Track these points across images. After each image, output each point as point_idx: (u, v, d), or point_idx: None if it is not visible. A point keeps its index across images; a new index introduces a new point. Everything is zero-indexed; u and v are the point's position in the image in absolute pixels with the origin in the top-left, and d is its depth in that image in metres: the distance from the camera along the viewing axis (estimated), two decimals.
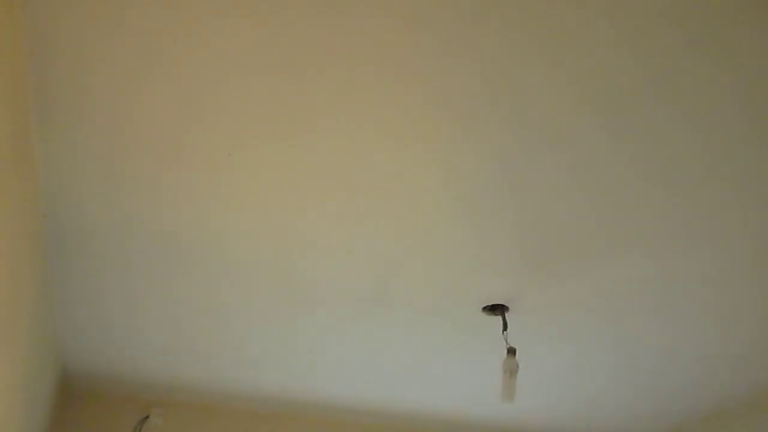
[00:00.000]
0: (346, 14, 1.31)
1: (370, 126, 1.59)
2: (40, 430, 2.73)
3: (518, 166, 1.69)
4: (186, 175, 1.77)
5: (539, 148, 1.63)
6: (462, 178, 1.74)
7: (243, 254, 2.11)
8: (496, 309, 2.35)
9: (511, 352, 2.33)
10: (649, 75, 1.42)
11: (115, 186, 1.82)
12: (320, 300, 2.37)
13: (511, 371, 2.29)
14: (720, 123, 1.54)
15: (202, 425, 3.26)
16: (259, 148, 1.67)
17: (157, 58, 1.43)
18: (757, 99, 1.47)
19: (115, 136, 1.65)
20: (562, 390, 3.08)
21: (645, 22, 1.30)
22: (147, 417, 3.15)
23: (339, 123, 1.59)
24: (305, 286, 2.29)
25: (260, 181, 1.79)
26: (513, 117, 1.54)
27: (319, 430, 3.42)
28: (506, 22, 1.31)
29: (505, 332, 2.36)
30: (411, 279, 2.21)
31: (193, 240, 2.04)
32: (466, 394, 3.13)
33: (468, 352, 2.71)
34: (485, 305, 2.35)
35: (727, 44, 1.34)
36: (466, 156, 1.66)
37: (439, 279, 2.20)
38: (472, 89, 1.47)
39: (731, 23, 1.30)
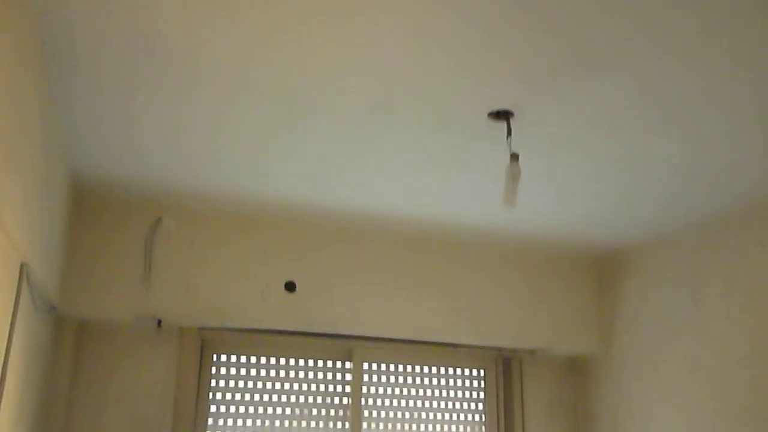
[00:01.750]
0: None
1: None
2: (58, 235, 2.84)
3: None
4: None
5: None
6: None
7: (251, 71, 2.07)
8: (501, 115, 2.35)
9: (515, 157, 2.37)
10: None
11: None
12: (324, 110, 2.36)
13: (513, 176, 2.34)
14: None
15: (213, 230, 3.39)
16: None
17: None
18: None
19: None
20: (562, 199, 3.17)
21: None
22: (159, 219, 3.27)
23: None
24: (307, 97, 2.27)
25: None
26: None
27: (322, 235, 3.57)
28: None
29: (509, 138, 2.38)
30: (416, 86, 2.18)
31: (201, 54, 1.98)
32: (468, 201, 3.23)
33: (472, 160, 2.75)
34: (490, 111, 2.34)
35: None
36: None
37: (446, 85, 2.17)
38: None
39: None
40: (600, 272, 4.12)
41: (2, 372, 2.22)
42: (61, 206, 2.85)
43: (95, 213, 3.23)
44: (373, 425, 3.70)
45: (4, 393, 2.24)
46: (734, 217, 3.28)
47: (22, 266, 2.22)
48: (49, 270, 2.76)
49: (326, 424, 3.62)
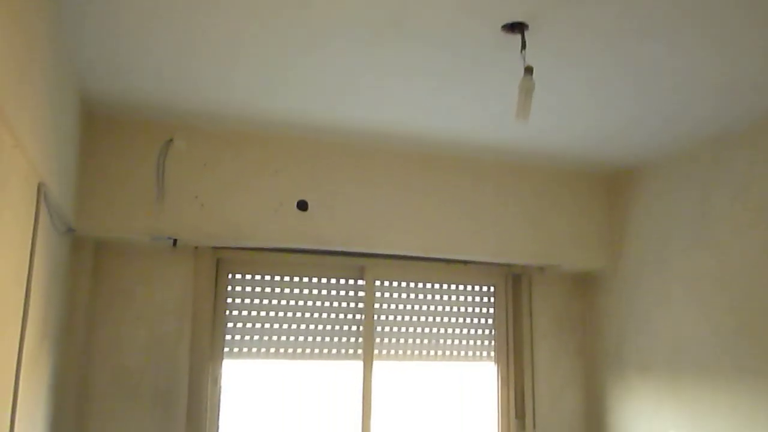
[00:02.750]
0: None
1: None
2: (71, 157, 2.85)
3: None
4: None
5: None
6: None
7: None
8: (516, 28, 2.30)
9: (529, 71, 2.33)
10: None
11: None
12: (336, 28, 2.31)
13: (527, 90, 2.31)
14: None
15: (225, 150, 3.39)
16: None
17: None
18: None
19: None
20: (572, 114, 3.14)
21: None
22: (170, 140, 3.27)
23: None
24: (320, 15, 2.22)
25: None
26: None
27: (334, 154, 3.57)
28: None
29: (523, 51, 2.34)
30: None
31: None
32: (480, 118, 3.20)
33: (483, 76, 2.71)
34: (504, 23, 2.29)
35: None
36: None
37: None
38: None
39: None
40: (609, 189, 4.12)
41: (27, 291, 2.28)
42: (72, 128, 2.85)
43: (107, 134, 3.22)
44: (385, 340, 3.81)
45: (30, 311, 2.31)
46: (743, 133, 3.25)
47: (39, 186, 2.24)
48: (65, 191, 2.79)
49: (339, 340, 3.73)
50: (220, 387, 3.49)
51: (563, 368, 4.12)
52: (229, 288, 3.59)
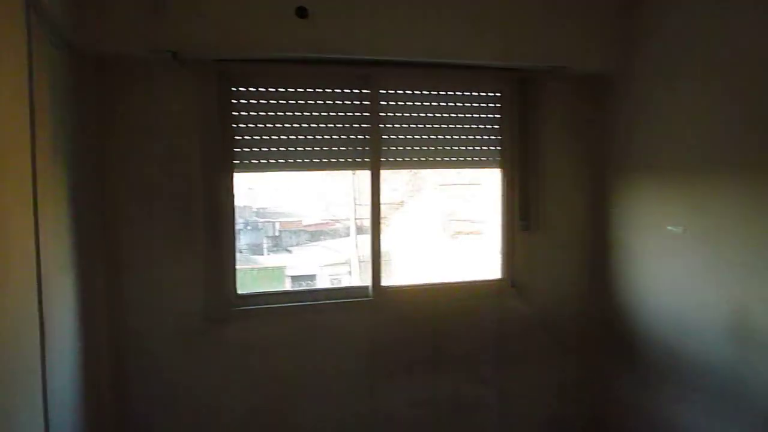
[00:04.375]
0: None
1: None
2: None
3: None
4: None
5: None
6: None
7: None
8: None
9: None
10: None
11: None
12: None
13: None
14: None
15: None
16: None
17: None
18: None
19: None
20: None
21: None
22: None
23: None
24: None
25: None
26: None
27: None
28: None
29: None
30: None
31: None
32: None
33: None
34: None
35: None
36: None
37: None
38: None
39: None
40: None
41: (30, 105, 2.32)
42: None
43: None
44: (392, 148, 3.87)
45: (37, 124, 2.37)
46: None
47: None
48: (59, 1, 2.72)
49: (347, 149, 3.79)
50: (233, 196, 3.63)
51: (570, 171, 4.20)
52: (234, 101, 3.60)
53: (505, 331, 4.13)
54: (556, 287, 4.21)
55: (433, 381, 3.98)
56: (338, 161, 3.81)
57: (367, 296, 3.88)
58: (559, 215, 4.17)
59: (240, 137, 3.62)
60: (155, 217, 3.50)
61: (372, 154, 3.82)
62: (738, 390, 3.27)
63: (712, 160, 3.42)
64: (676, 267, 3.65)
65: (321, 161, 3.78)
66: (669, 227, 3.67)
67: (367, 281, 3.90)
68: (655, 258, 3.80)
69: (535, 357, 4.19)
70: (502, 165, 4.10)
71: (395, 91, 3.86)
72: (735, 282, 3.28)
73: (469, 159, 4.07)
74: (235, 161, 3.62)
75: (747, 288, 3.23)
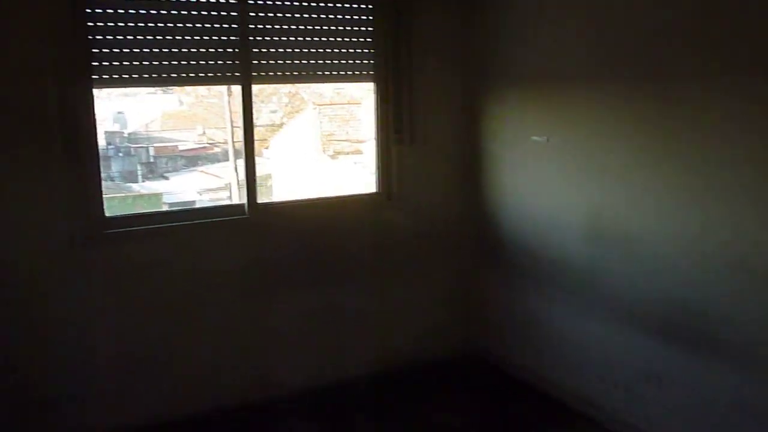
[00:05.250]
0: None
1: None
2: None
3: None
4: None
5: None
6: None
7: None
8: None
9: None
10: None
11: None
12: None
13: None
14: None
15: None
16: None
17: None
18: None
19: None
20: None
21: None
22: None
23: None
24: None
25: None
26: None
27: None
28: None
29: None
30: None
31: None
32: None
33: None
34: None
35: None
36: None
37: None
38: None
39: None
40: None
41: None
42: None
43: None
44: (264, 62, 3.75)
45: None
46: None
47: None
48: None
49: (215, 62, 3.64)
50: (93, 113, 3.42)
51: (442, 84, 4.27)
52: (89, 10, 3.33)
53: (384, 243, 4.23)
54: (431, 198, 4.34)
55: (316, 294, 4.04)
56: (207, 76, 3.66)
57: (243, 214, 3.84)
58: (432, 128, 4.26)
59: (98, 50, 3.38)
60: (6, 135, 3.24)
61: (243, 67, 3.70)
62: (591, 284, 3.56)
63: (571, 72, 3.58)
64: (540, 175, 3.85)
65: (188, 76, 3.62)
66: (533, 137, 3.85)
67: (243, 200, 3.85)
68: (521, 167, 3.99)
69: (412, 266, 4.34)
70: (375, 78, 4.09)
71: (265, 1, 3.72)
72: (590, 188, 3.52)
73: (343, 73, 4.03)
74: (93, 75, 3.38)
75: (600, 193, 3.47)
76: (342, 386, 4.09)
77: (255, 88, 3.82)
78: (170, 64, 3.53)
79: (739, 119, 2.78)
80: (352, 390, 4.07)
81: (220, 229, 3.78)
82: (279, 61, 3.80)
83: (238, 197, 5.11)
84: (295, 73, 3.89)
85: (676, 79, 3.03)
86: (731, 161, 2.80)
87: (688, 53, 2.97)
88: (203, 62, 3.61)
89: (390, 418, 3.75)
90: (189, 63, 3.58)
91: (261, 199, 3.88)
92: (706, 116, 2.91)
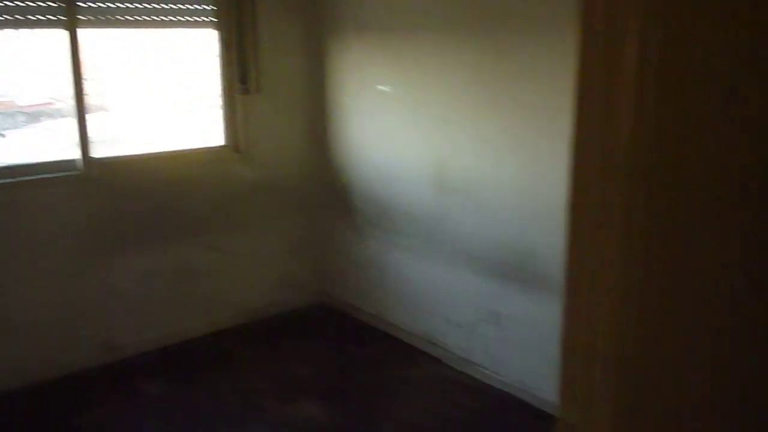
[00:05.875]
0: None
1: None
2: None
3: None
4: None
5: None
6: None
7: None
8: None
9: None
10: None
11: None
12: None
13: None
14: None
15: None
16: None
17: None
18: None
19: None
20: None
21: None
22: None
23: None
24: None
25: None
26: None
27: None
28: None
29: None
30: None
31: None
32: None
33: None
34: None
35: None
36: None
37: None
38: None
39: None
40: None
41: None
42: None
43: None
44: (92, 5, 3.49)
45: None
46: None
47: None
48: None
49: (36, 4, 3.34)
50: None
51: (288, 33, 4.19)
52: None
53: (232, 197, 4.14)
54: (280, 150, 4.29)
55: (162, 252, 3.90)
56: (27, 19, 3.35)
57: (75, 170, 3.60)
58: (279, 78, 4.18)
59: None
60: None
61: (67, 11, 3.42)
62: (437, 231, 3.69)
63: (414, 23, 3.62)
64: (387, 125, 3.90)
65: (6, 19, 3.30)
66: (379, 87, 3.88)
67: (77, 155, 3.61)
68: (369, 117, 4.02)
69: (263, 220, 4.29)
70: (218, 26, 3.93)
71: None
72: (436, 138, 3.61)
73: (182, 19, 3.84)
74: None
75: (445, 143, 3.57)
76: (191, 344, 4.01)
77: (91, 36, 3.57)
78: None
79: (569, 71, 2.93)
80: (202, 347, 4.00)
81: (51, 187, 3.53)
82: (109, 5, 3.55)
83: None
84: (127, 17, 3.65)
85: (508, 31, 3.14)
86: (561, 110, 2.96)
87: (518, 5, 3.09)
88: (22, 4, 3.31)
89: (239, 371, 3.73)
90: (5, 4, 3.26)
91: (98, 153, 3.65)
92: (537, 67, 3.05)
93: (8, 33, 3.49)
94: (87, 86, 3.57)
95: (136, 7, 3.64)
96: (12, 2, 3.27)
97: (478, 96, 3.33)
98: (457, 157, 3.51)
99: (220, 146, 4.11)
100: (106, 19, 3.59)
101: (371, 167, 4.06)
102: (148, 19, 3.72)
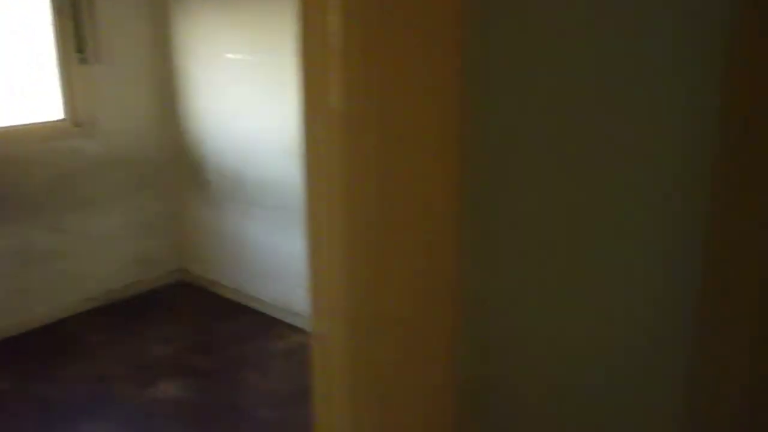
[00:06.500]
0: None
1: None
2: None
3: None
4: None
5: None
6: None
7: None
8: None
9: None
10: None
11: None
12: None
13: None
14: None
15: None
16: None
17: None
18: None
19: None
20: None
21: None
22: None
23: None
24: None
25: None
26: None
27: None
28: None
29: None
30: None
31: None
32: None
33: None
34: None
35: None
36: None
37: None
38: None
39: None
40: None
41: None
42: None
43: None
44: None
45: None
46: None
47: None
48: None
49: None
50: None
51: None
52: None
53: (76, 174, 3.90)
54: (126, 123, 4.07)
55: None
56: None
57: None
58: (122, 47, 3.94)
59: None
60: None
61: None
62: (290, 201, 3.67)
63: None
64: (239, 95, 3.80)
65: None
66: (228, 55, 3.76)
67: None
68: (220, 87, 3.90)
69: (112, 197, 4.08)
70: None
71: None
72: (288, 107, 3.56)
73: None
74: None
75: (296, 113, 3.53)
76: (39, 332, 3.79)
77: None
78: None
79: None
80: (51, 335, 3.79)
81: None
82: None
83: None
84: None
85: None
86: None
87: None
88: None
89: (93, 358, 3.57)
90: None
91: None
92: None
93: None
94: None
95: None
96: None
97: None
98: None
99: (58, 120, 3.84)
100: None
101: (226, 138, 3.95)
102: None
